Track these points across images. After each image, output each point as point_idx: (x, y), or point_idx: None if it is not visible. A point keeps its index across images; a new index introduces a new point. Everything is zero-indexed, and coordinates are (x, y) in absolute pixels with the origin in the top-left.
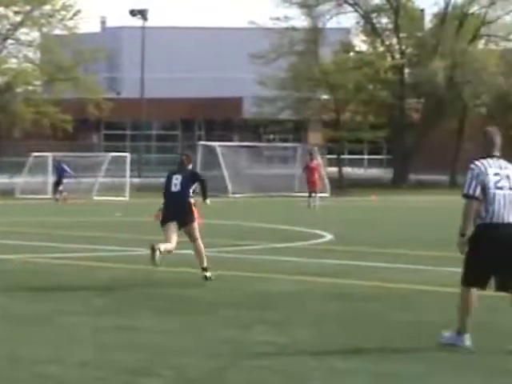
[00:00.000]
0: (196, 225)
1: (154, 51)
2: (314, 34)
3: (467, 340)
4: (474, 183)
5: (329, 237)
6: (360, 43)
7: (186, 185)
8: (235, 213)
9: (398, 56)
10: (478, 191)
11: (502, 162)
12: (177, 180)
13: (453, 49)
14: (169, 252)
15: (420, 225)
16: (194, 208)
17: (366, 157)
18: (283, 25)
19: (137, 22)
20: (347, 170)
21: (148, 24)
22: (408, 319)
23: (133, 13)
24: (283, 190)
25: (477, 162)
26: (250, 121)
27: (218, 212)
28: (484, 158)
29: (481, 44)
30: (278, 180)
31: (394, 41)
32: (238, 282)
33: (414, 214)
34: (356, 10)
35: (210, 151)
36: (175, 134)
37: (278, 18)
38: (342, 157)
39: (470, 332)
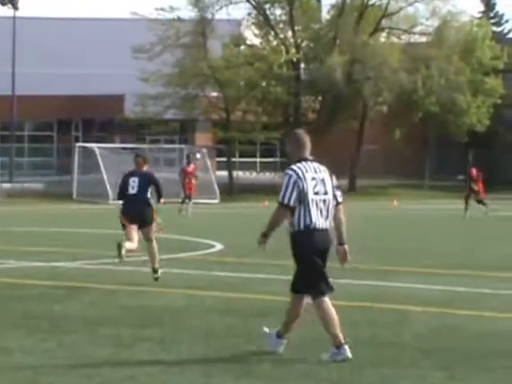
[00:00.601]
0: (153, 226)
1: (26, 44)
2: (202, 26)
3: (282, 345)
4: (289, 191)
5: (219, 247)
6: (252, 36)
7: (143, 186)
8: (117, 221)
9: (293, 50)
10: (293, 200)
11: (316, 165)
12: (134, 182)
13: (352, 43)
14: (131, 251)
15: None
16: (153, 210)
17: (258, 160)
18: (168, 16)
19: (7, 11)
20: (238, 173)
21: (19, 14)
22: (301, 335)
23: (2, 2)
24: (169, 195)
25: (294, 167)
26: (132, 120)
27: (98, 220)
28: (299, 161)
29: (382, 37)
30: (163, 185)
31: (289, 34)
32: (120, 296)
33: None
34: (248, 1)
35: (89, 153)
36: (50, 135)
37: (162, 9)
38: (233, 160)
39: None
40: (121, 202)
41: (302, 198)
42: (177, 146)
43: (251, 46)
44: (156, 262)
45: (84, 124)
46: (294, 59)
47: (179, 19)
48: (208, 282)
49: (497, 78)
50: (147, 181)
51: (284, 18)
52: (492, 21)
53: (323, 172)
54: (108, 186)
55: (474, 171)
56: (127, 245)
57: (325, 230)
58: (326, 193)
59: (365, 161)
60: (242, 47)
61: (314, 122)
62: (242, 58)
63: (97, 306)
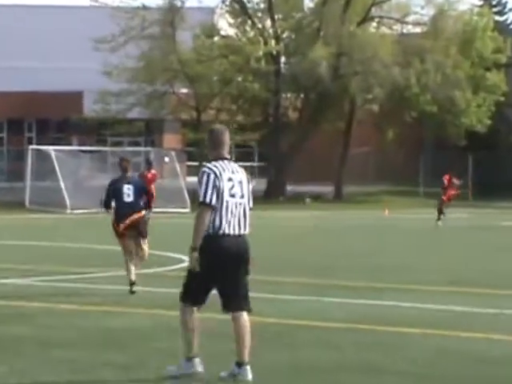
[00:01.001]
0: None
1: None
2: (171, 15)
3: (198, 365)
4: (210, 190)
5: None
6: (226, 26)
7: (139, 194)
8: (75, 233)
9: (272, 42)
10: (215, 199)
11: (234, 166)
12: (129, 190)
13: (338, 33)
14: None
15: (297, 246)
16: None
17: None
18: (133, 3)
19: None
20: None
21: None
22: (282, 359)
23: None
24: None
25: (210, 166)
26: (92, 120)
27: (54, 232)
28: (215, 160)
29: (372, 28)
30: None
31: (268, 23)
32: (77, 317)
33: (290, 232)
34: None
35: (43, 157)
36: (0, 137)
37: None
38: (205, 164)
39: (201, 355)
40: (105, 210)
41: (219, 200)
42: (142, 148)
43: (225, 37)
44: (139, 265)
45: (38, 124)
46: (274, 52)
47: (144, 7)
48: (175, 300)
49: (499, 72)
50: (142, 189)
51: (262, 5)
52: (494, 9)
53: (240, 173)
54: (65, 194)
55: (446, 178)
56: (133, 277)
57: (239, 236)
58: (242, 196)
59: (353, 165)
60: (216, 38)
61: (295, 122)
62: (216, 50)
63: (51, 327)
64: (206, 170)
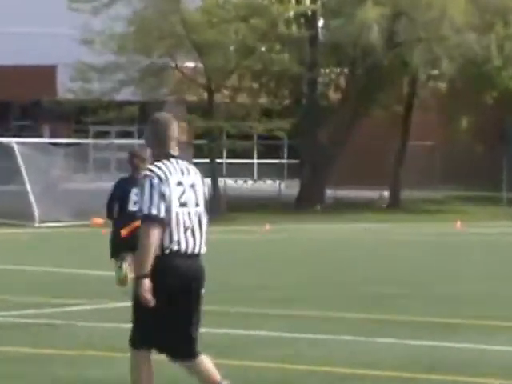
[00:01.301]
0: None
1: None
2: None
3: None
4: (156, 198)
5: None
6: None
7: None
8: (46, 253)
9: (307, 0)
10: (164, 209)
11: (184, 165)
12: (137, 196)
13: None
14: None
15: (342, 269)
16: None
17: (256, 161)
18: None
19: None
20: (226, 182)
21: None
22: None
23: None
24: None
25: (153, 168)
26: (69, 103)
27: (19, 251)
28: (159, 159)
29: None
30: None
31: None
32: (54, 364)
33: (330, 249)
34: None
35: (4, 152)
36: None
37: None
38: (218, 161)
39: None
40: (111, 221)
41: (166, 210)
42: (135, 140)
43: None
44: None
45: None
46: (309, 13)
47: None
48: None
49: None
50: None
51: None
52: None
53: (193, 174)
54: (33, 201)
55: None
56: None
57: (194, 257)
58: (197, 204)
59: (413, 163)
60: None
61: (338, 106)
62: (232, 11)
63: (22, 377)
64: (149, 173)
